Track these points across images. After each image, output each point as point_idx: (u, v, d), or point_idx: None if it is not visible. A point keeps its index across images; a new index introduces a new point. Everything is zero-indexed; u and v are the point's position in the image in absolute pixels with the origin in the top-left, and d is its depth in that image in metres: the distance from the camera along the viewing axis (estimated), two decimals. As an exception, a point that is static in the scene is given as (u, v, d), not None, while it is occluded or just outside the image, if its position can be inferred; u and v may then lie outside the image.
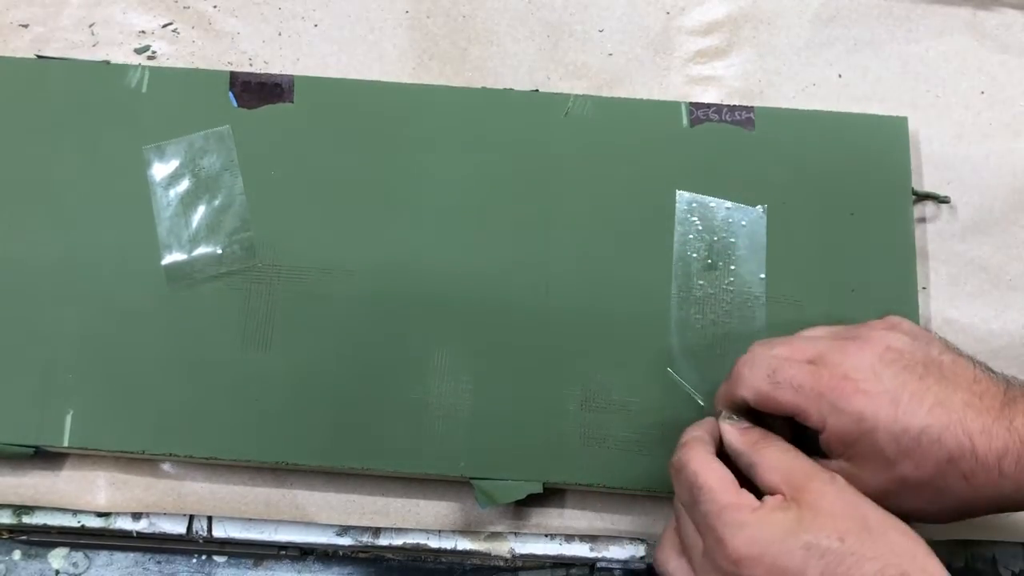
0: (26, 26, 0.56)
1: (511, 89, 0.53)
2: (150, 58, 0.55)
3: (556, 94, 0.53)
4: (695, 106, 0.53)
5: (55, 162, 0.51)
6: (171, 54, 0.55)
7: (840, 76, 0.56)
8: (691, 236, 0.50)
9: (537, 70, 0.55)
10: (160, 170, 0.51)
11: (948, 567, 0.48)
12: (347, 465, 0.47)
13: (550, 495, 0.48)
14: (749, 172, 0.51)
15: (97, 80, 0.52)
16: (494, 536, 0.49)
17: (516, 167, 0.51)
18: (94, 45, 0.55)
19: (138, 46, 0.55)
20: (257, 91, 0.52)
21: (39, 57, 0.54)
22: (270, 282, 0.49)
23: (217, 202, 0.50)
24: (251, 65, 0.55)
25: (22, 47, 0.55)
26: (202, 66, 0.55)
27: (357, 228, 0.50)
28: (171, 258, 0.49)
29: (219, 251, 0.49)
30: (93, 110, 0.52)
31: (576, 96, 0.53)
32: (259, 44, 0.56)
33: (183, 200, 0.50)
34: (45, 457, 0.48)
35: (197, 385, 0.48)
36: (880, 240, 0.50)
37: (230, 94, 0.52)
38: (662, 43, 0.57)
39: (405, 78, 0.55)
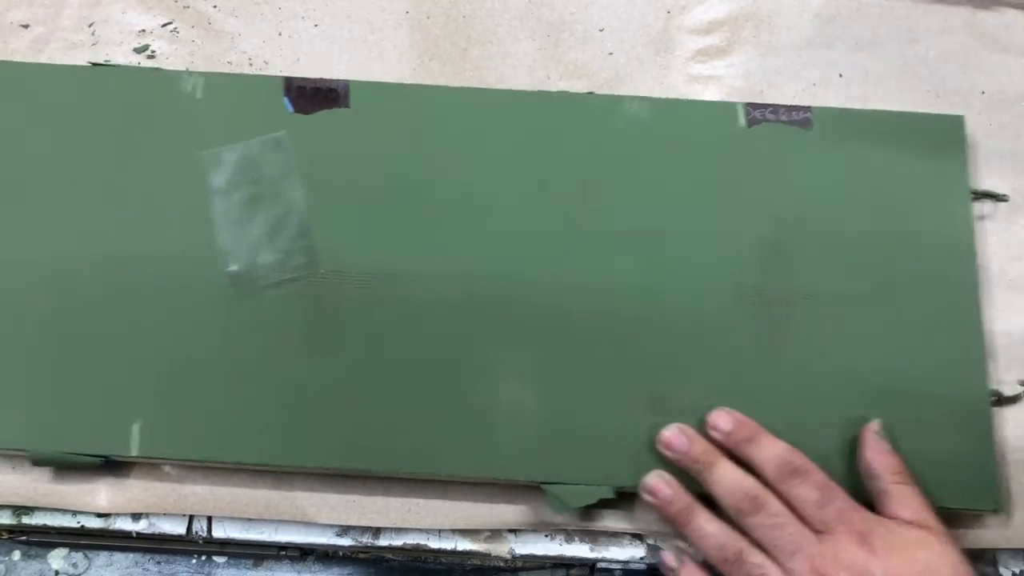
0: (26, 26, 0.56)
1: (566, 92, 0.53)
2: (150, 57, 0.55)
3: (611, 96, 0.53)
4: (752, 106, 0.52)
5: (114, 170, 0.50)
6: (171, 54, 0.55)
7: (841, 76, 0.56)
8: (754, 236, 0.50)
9: (537, 70, 0.55)
10: (218, 177, 0.50)
11: (949, 567, 0.48)
12: (417, 471, 0.47)
13: (622, 499, 0.48)
14: (807, 171, 0.51)
15: (151, 87, 0.52)
16: (494, 536, 0.49)
17: (575, 170, 0.51)
18: (94, 45, 0.55)
19: (138, 45, 0.55)
20: (312, 96, 0.52)
21: (92, 64, 0.53)
22: (334, 288, 0.49)
23: (276, 208, 0.50)
24: (251, 65, 0.55)
25: (22, 47, 0.55)
26: (201, 66, 0.55)
27: (419, 232, 0.50)
28: (233, 265, 0.49)
29: (281, 258, 0.49)
30: (148, 117, 0.51)
31: (631, 98, 0.52)
32: (259, 44, 0.56)
33: (242, 207, 0.50)
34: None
35: (265, 392, 0.47)
36: (939, 238, 0.50)
37: (285, 99, 0.52)
38: (663, 42, 0.56)
39: (406, 78, 0.55)
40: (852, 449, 0.47)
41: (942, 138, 0.52)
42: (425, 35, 0.56)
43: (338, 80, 0.52)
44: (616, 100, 0.52)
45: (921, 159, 0.52)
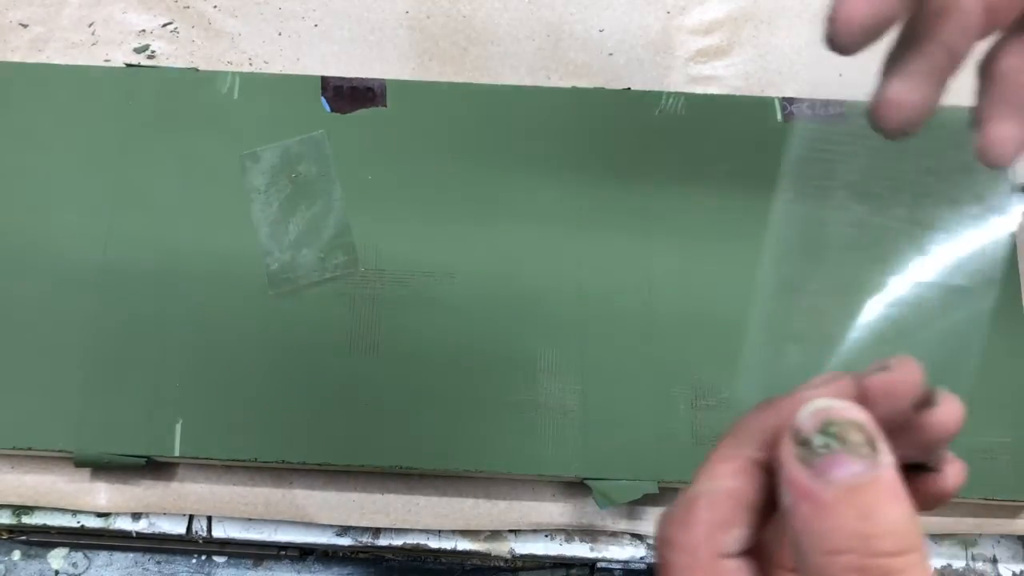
0: (26, 26, 0.56)
1: (602, 88, 0.53)
2: (150, 57, 0.55)
3: (647, 92, 0.53)
4: (788, 101, 0.53)
5: (153, 172, 0.50)
6: (170, 54, 0.55)
7: (841, 75, 0.56)
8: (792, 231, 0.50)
9: (537, 70, 0.55)
10: (257, 177, 0.50)
11: (949, 567, 0.49)
12: (461, 468, 0.47)
13: (665, 494, 0.48)
14: (843, 166, 0.51)
15: (188, 87, 0.52)
16: (494, 536, 0.49)
17: (612, 166, 0.51)
18: (93, 44, 0.55)
19: (137, 45, 0.55)
20: (349, 95, 0.52)
21: (128, 66, 0.53)
22: (374, 287, 0.49)
23: (316, 208, 0.50)
24: (251, 65, 0.55)
25: (21, 47, 0.55)
26: (202, 66, 0.55)
27: (457, 230, 0.50)
28: (273, 265, 0.49)
29: (321, 257, 0.49)
30: (186, 117, 0.51)
31: (668, 93, 0.53)
32: (259, 44, 0.56)
33: (282, 207, 0.50)
34: (155, 467, 0.48)
35: (306, 392, 0.47)
36: (981, 232, 0.50)
37: (322, 99, 0.52)
38: (662, 42, 0.56)
39: (406, 78, 0.55)
40: None
41: None
42: (425, 35, 0.56)
43: (375, 79, 0.52)
44: (653, 95, 0.53)
45: (959, 152, 0.52)
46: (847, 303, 0.48)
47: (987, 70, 0.32)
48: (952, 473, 0.27)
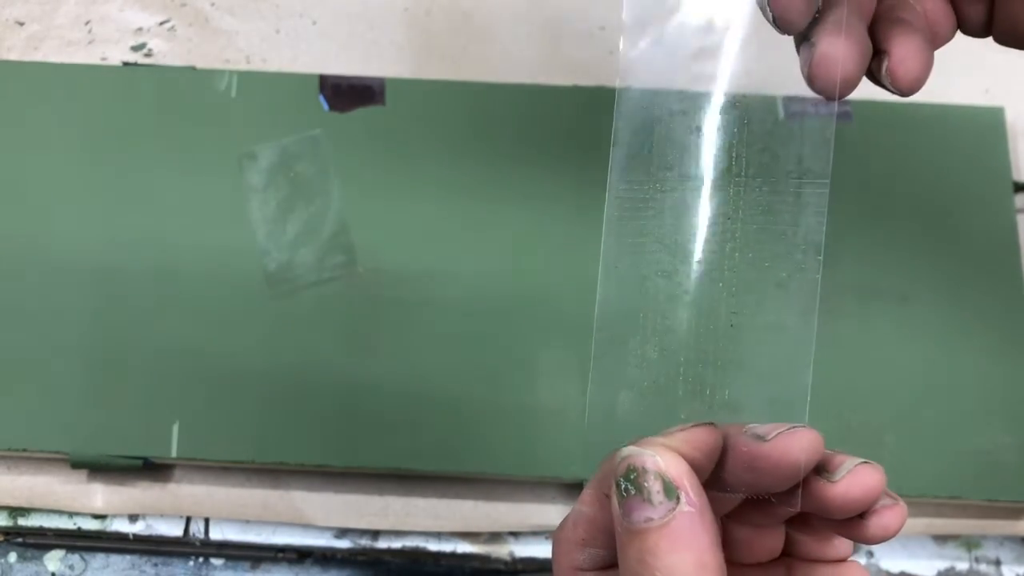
0: (22, 24, 0.55)
1: (603, 86, 0.53)
2: (147, 56, 0.55)
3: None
4: (790, 100, 0.52)
5: (151, 171, 0.50)
6: (168, 52, 0.55)
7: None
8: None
9: (537, 68, 0.55)
10: (255, 176, 0.50)
11: (952, 570, 0.48)
12: (460, 470, 0.46)
13: None
14: (849, 166, 0.51)
15: (185, 85, 0.52)
16: (494, 538, 0.48)
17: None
18: (90, 43, 0.55)
19: (134, 43, 0.55)
20: (348, 94, 0.52)
21: (125, 64, 0.53)
22: (373, 287, 0.48)
23: (314, 207, 0.50)
24: (249, 63, 0.55)
25: (17, 45, 0.55)
26: (199, 64, 0.54)
27: (457, 230, 0.49)
28: (271, 265, 0.49)
29: (319, 257, 0.49)
30: (183, 116, 0.51)
31: (667, 91, 0.52)
32: (257, 42, 0.55)
33: (280, 206, 0.50)
34: (152, 469, 0.47)
35: (304, 393, 0.47)
36: (983, 232, 0.50)
37: (320, 97, 0.52)
38: (664, 40, 0.56)
39: (405, 76, 0.54)
40: (900, 443, 0.47)
41: (983, 130, 0.52)
42: (424, 32, 0.56)
43: (373, 77, 0.52)
44: None
45: (962, 151, 0.51)
46: (669, 350, 0.48)
47: None
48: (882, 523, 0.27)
